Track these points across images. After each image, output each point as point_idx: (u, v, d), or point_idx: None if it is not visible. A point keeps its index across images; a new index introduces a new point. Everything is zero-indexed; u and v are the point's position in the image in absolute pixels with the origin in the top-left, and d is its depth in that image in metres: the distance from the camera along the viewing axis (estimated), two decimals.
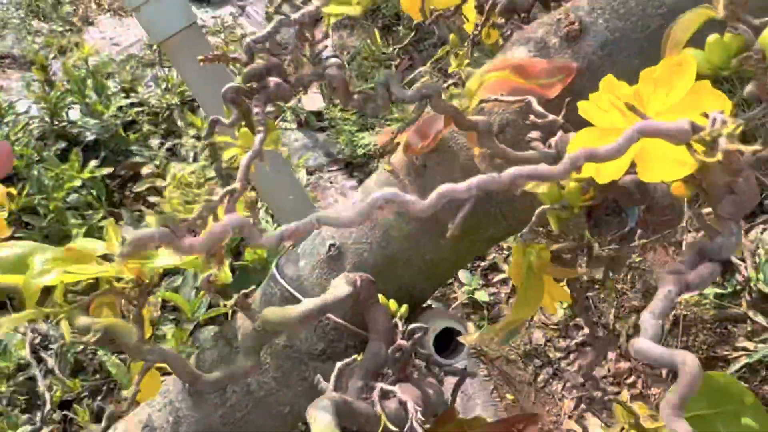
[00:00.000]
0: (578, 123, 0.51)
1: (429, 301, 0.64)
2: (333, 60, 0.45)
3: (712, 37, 0.32)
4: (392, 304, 0.55)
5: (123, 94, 2.61)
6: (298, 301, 0.56)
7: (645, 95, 0.32)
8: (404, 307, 0.54)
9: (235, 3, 3.43)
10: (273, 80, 0.42)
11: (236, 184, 0.38)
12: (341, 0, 0.44)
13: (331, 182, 2.61)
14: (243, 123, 0.42)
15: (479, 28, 0.79)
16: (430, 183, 0.54)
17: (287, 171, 0.67)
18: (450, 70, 1.30)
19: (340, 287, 0.49)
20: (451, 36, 1.05)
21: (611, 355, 2.03)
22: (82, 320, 0.46)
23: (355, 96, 0.45)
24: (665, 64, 0.32)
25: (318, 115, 2.67)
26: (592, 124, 0.46)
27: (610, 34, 0.48)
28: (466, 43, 1.00)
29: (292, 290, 0.56)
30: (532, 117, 0.45)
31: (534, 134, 0.48)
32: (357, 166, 2.52)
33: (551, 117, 0.44)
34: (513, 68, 0.49)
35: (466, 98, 0.50)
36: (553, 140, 0.46)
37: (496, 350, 2.10)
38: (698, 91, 0.31)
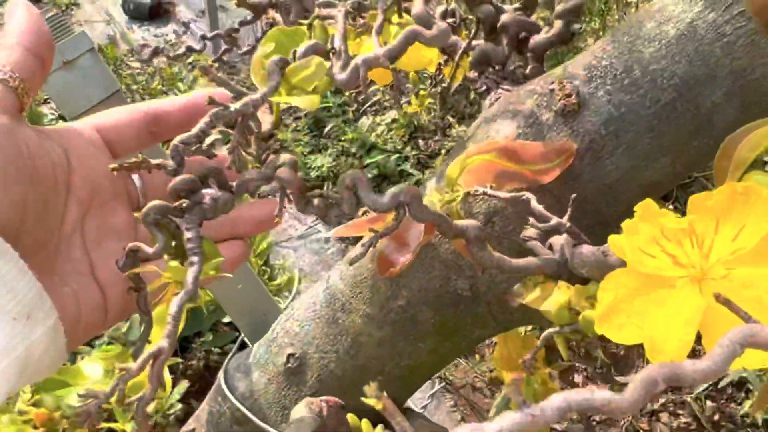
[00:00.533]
0: (580, 214, 0.43)
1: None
2: (285, 157, 0.36)
3: None
4: (365, 425, 0.46)
5: (61, 121, 2.46)
6: (252, 423, 0.47)
7: (704, 234, 0.25)
8: (379, 428, 0.46)
9: (178, 20, 3.29)
10: (208, 193, 0.33)
11: (163, 342, 0.29)
12: (294, 84, 0.35)
13: (284, 207, 2.50)
14: (172, 249, 0.33)
15: (441, 70, 0.72)
16: (407, 282, 0.45)
17: None
18: (409, 110, 1.22)
19: (303, 425, 0.40)
20: (411, 74, 0.97)
21: (578, 378, 1.98)
22: None
23: (315, 201, 0.36)
24: (726, 191, 0.24)
25: (269, 136, 2.56)
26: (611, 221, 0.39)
27: (614, 109, 0.41)
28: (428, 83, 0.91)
29: (244, 410, 0.47)
30: (532, 220, 0.37)
31: (530, 232, 0.40)
32: (310, 190, 2.42)
33: (555, 220, 0.36)
34: (501, 152, 0.41)
35: (447, 188, 0.42)
36: (555, 241, 0.39)
37: (462, 378, 2.04)
38: None
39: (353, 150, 2.40)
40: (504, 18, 0.57)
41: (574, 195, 0.37)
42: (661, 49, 0.40)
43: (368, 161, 2.36)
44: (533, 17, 0.61)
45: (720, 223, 0.24)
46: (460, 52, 0.63)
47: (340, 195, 0.35)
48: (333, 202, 0.36)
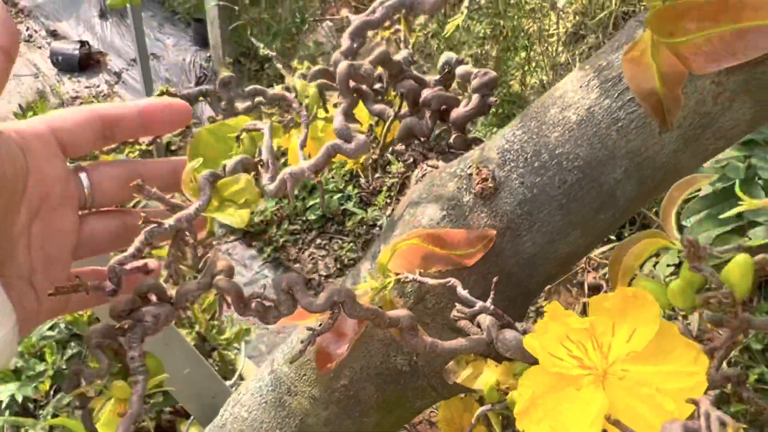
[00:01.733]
0: (504, 286, 0.46)
1: None
2: (222, 263, 0.38)
3: (676, 285, 0.28)
4: None
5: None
6: None
7: (602, 335, 0.28)
8: None
9: (109, 70, 3.26)
10: (149, 311, 0.34)
11: None
12: (225, 197, 0.37)
13: (229, 253, 2.49)
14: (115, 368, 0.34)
15: (373, 129, 0.74)
16: (349, 362, 0.47)
17: (175, 336, 0.58)
18: (347, 165, 1.25)
19: None
20: None
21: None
22: None
23: (253, 305, 0.38)
24: (619, 295, 0.28)
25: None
26: None
27: (527, 190, 0.44)
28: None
29: None
30: (458, 306, 0.40)
31: (459, 311, 0.43)
32: (254, 235, 2.42)
33: (479, 304, 0.39)
34: (428, 238, 0.44)
35: (379, 273, 0.44)
36: (483, 321, 0.42)
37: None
38: (666, 338, 0.26)
39: (295, 191, 2.42)
40: (425, 94, 0.61)
41: (495, 279, 0.40)
42: (564, 133, 0.44)
43: (311, 202, 2.38)
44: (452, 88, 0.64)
45: (616, 326, 0.27)
46: (389, 121, 0.66)
47: (278, 298, 0.37)
48: (271, 304, 0.38)
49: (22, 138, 0.32)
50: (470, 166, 0.46)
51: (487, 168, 0.45)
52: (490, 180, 0.45)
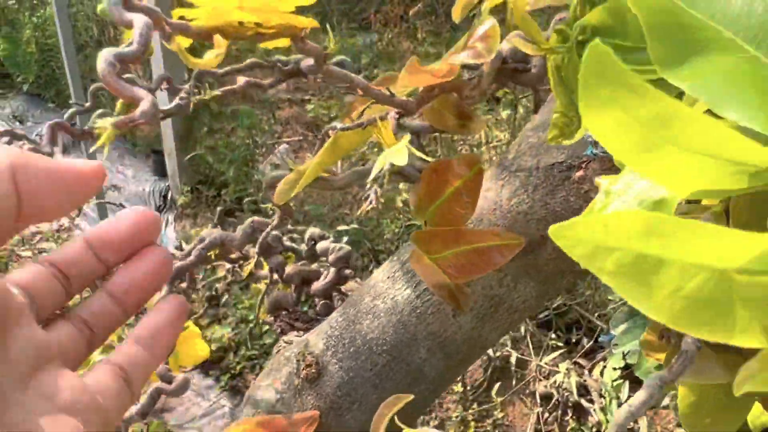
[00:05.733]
0: None
1: None
2: None
3: None
4: None
5: None
6: None
7: None
8: None
9: None
10: None
11: None
12: None
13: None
14: None
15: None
16: None
17: None
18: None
19: None
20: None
21: None
22: None
23: None
24: None
25: None
26: None
27: (345, 374, 0.50)
28: None
29: None
30: None
31: None
32: (213, 363, 2.43)
33: None
34: (259, 424, 0.49)
35: None
36: None
37: None
38: None
39: (251, 317, 2.45)
40: (288, 270, 0.68)
41: None
42: (374, 320, 0.51)
43: (267, 327, 2.40)
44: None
45: None
46: (261, 294, 0.73)
47: None
48: None
49: None
50: (299, 352, 0.52)
51: (312, 354, 0.51)
52: (313, 366, 0.51)
